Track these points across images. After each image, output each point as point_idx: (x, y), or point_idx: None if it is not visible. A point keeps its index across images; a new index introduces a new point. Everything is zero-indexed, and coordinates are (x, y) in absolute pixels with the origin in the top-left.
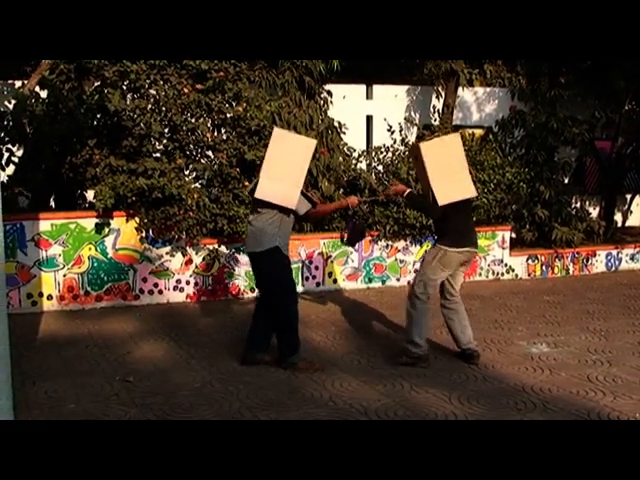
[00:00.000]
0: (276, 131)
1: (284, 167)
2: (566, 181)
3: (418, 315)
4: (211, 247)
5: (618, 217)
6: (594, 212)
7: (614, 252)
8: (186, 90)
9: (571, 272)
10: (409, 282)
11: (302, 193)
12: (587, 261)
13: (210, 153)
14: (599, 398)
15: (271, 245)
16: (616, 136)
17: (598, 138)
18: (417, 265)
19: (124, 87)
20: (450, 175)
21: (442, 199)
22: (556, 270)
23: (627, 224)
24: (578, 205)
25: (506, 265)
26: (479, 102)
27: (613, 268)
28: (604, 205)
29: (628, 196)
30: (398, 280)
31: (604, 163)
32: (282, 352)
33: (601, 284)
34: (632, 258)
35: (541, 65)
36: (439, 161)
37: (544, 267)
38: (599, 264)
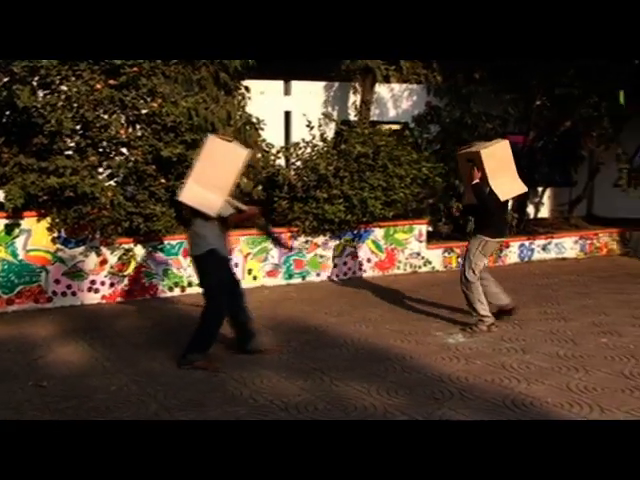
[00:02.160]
0: (210, 139)
1: (213, 174)
2: None
3: (476, 294)
4: (127, 246)
5: (530, 209)
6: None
7: (527, 243)
8: (99, 86)
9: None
10: (329, 277)
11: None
12: (501, 252)
13: (125, 150)
14: (513, 385)
15: (206, 248)
16: (528, 131)
17: (511, 133)
18: (337, 260)
19: (34, 83)
20: (505, 176)
21: (503, 196)
22: None
23: (539, 216)
24: None
25: (423, 258)
26: (396, 98)
27: (526, 259)
28: (516, 198)
29: (540, 189)
30: (318, 275)
31: (516, 157)
32: (188, 346)
33: (514, 274)
34: (544, 249)
35: (456, 62)
36: (496, 164)
37: (460, 259)
38: (512, 255)
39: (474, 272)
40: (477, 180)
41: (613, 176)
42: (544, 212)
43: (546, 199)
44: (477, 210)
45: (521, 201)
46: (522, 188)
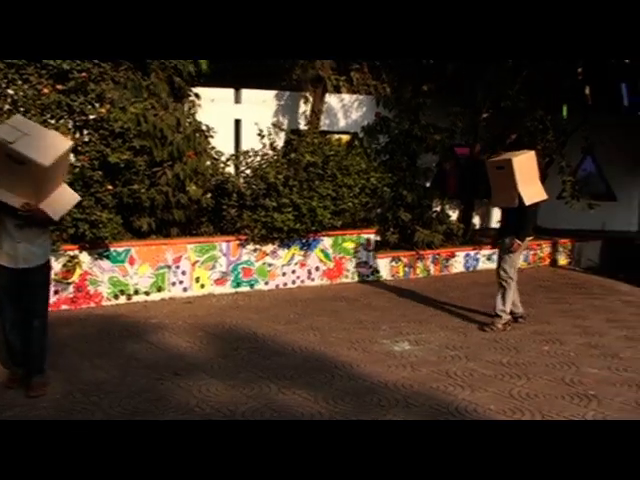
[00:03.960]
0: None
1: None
2: (428, 185)
3: (511, 292)
4: (72, 253)
5: (476, 220)
6: (454, 215)
7: (472, 253)
8: (46, 90)
9: (432, 272)
10: (277, 286)
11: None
12: (447, 262)
13: (71, 156)
14: (457, 392)
15: None
16: (474, 143)
17: (458, 145)
18: (286, 269)
19: None
20: (531, 182)
21: (528, 200)
22: (418, 271)
23: (484, 226)
24: (439, 209)
25: (371, 267)
26: (345, 108)
27: (471, 268)
28: (463, 208)
29: (485, 200)
30: (266, 284)
31: (463, 168)
32: None
33: (460, 283)
34: (489, 258)
35: (405, 73)
36: (524, 171)
37: (407, 268)
38: (458, 264)
39: (515, 270)
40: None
41: (557, 188)
42: (489, 223)
43: (492, 210)
44: (511, 215)
45: (467, 212)
46: (543, 195)
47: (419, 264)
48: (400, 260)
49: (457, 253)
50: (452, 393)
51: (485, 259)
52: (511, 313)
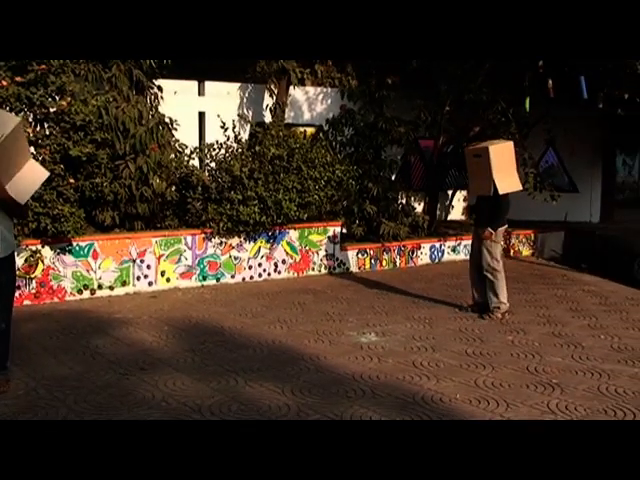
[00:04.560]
0: None
1: None
2: (393, 178)
3: (501, 282)
4: (34, 248)
5: (441, 212)
6: (419, 207)
7: (437, 245)
8: (4, 83)
9: (398, 265)
10: (244, 279)
11: None
12: (413, 254)
13: (32, 149)
14: (424, 382)
15: None
16: (438, 136)
17: (422, 137)
18: (252, 262)
19: None
20: (506, 172)
21: (502, 189)
22: (384, 263)
23: (449, 218)
24: (404, 201)
25: (337, 259)
26: (310, 101)
27: (437, 260)
28: (428, 201)
29: (450, 192)
30: (233, 277)
31: (428, 161)
32: None
33: (425, 275)
34: (453, 250)
35: (369, 66)
36: (501, 161)
37: (373, 260)
38: (424, 256)
39: (497, 260)
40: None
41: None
42: (454, 214)
43: (456, 202)
44: (485, 203)
45: (432, 204)
46: (519, 186)
47: (385, 256)
48: (366, 252)
49: (423, 245)
50: (418, 383)
51: (450, 250)
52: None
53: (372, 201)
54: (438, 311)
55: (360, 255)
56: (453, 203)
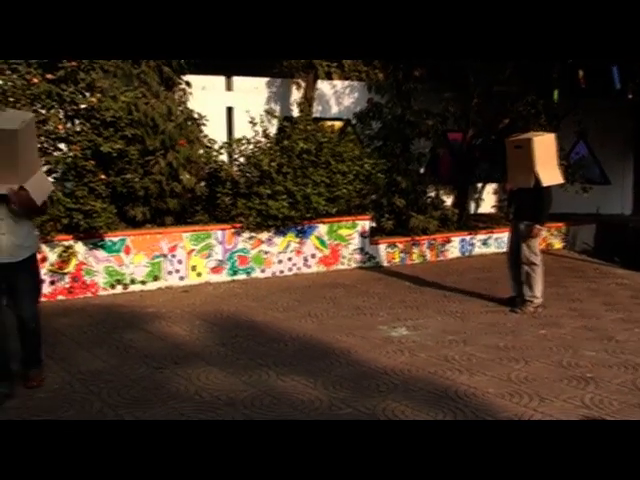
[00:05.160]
0: None
1: None
2: (422, 171)
3: (538, 276)
4: (67, 243)
5: (471, 205)
6: (448, 201)
7: (467, 238)
8: (35, 80)
9: (428, 258)
10: (274, 273)
11: None
12: (443, 247)
13: (63, 146)
14: (456, 376)
15: None
16: (467, 128)
17: (451, 130)
18: (282, 256)
19: None
20: (549, 164)
21: (545, 182)
22: (414, 257)
23: (479, 211)
24: (433, 194)
25: (367, 253)
26: (338, 95)
27: (467, 253)
28: (457, 194)
29: (479, 185)
30: (263, 271)
31: (456, 154)
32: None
33: (456, 269)
34: (484, 243)
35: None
36: (543, 152)
37: (403, 254)
38: (454, 250)
39: (536, 254)
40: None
41: None
42: (484, 208)
43: (486, 195)
44: (526, 197)
45: (461, 197)
46: (560, 179)
47: (415, 250)
48: (396, 246)
49: (452, 238)
50: (450, 377)
51: (481, 244)
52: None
53: (401, 194)
54: (470, 305)
55: (389, 249)
56: (483, 196)
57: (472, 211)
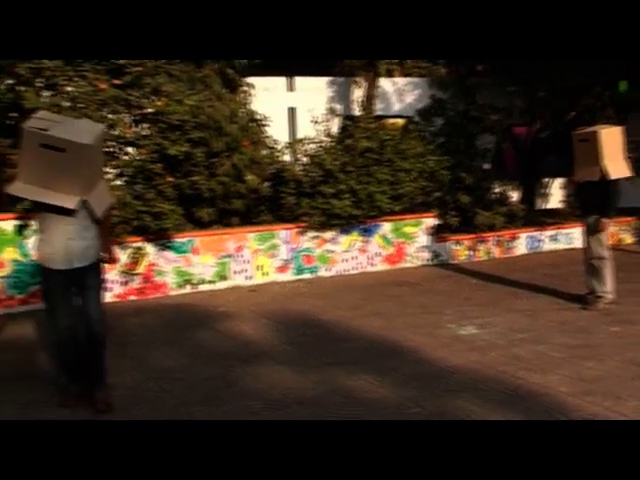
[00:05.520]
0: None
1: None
2: (486, 167)
3: (607, 271)
4: (137, 245)
5: (538, 200)
6: (514, 196)
7: (535, 234)
8: (103, 86)
9: (495, 255)
10: (339, 272)
11: None
12: (510, 244)
13: (131, 149)
14: (527, 375)
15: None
16: (532, 122)
17: (516, 124)
18: (346, 255)
19: (39, 84)
20: (616, 157)
21: (614, 174)
22: (480, 254)
23: (546, 207)
24: (499, 190)
25: (432, 251)
26: (399, 92)
27: (535, 249)
28: (523, 189)
29: (546, 180)
30: (328, 270)
31: (522, 149)
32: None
33: (524, 265)
34: (553, 239)
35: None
36: (610, 145)
37: (469, 251)
38: (521, 246)
39: (605, 248)
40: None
41: None
42: (552, 203)
43: (553, 189)
44: (593, 190)
45: (528, 192)
46: (627, 172)
47: (481, 247)
48: (461, 243)
49: (520, 235)
50: (522, 376)
51: (549, 240)
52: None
53: (466, 191)
54: (539, 302)
55: (455, 246)
56: (550, 191)
57: (539, 206)
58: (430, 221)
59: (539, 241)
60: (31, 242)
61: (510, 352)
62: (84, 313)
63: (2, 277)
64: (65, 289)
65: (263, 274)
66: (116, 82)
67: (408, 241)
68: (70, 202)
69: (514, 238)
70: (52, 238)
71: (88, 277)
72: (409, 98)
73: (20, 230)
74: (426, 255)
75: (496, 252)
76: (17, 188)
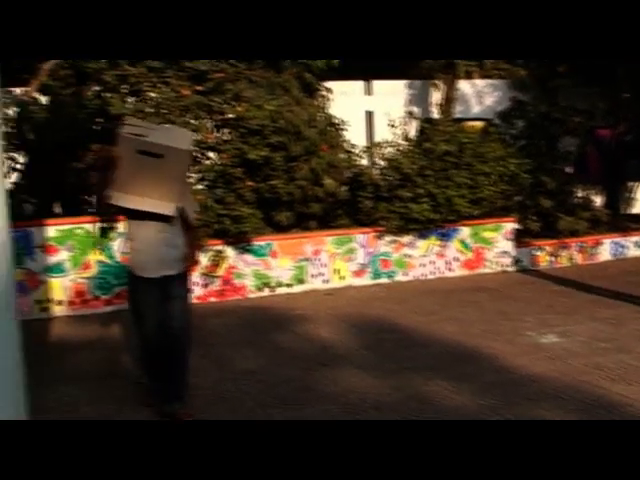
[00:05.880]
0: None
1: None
2: (569, 170)
3: None
4: (217, 248)
5: (622, 205)
6: (598, 201)
7: (619, 240)
8: (186, 92)
9: (577, 261)
10: (416, 277)
11: None
12: (593, 250)
13: (212, 154)
14: (609, 385)
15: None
16: (616, 124)
17: (599, 127)
18: (423, 260)
19: (124, 91)
20: None
21: None
22: (562, 260)
23: (631, 212)
24: (581, 194)
25: (512, 256)
26: (478, 94)
27: (619, 256)
28: (607, 193)
29: (631, 183)
30: (405, 275)
31: (606, 151)
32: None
33: (607, 272)
34: (638, 245)
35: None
36: None
37: (550, 257)
38: (605, 252)
39: None
40: None
41: None
42: (638, 207)
43: (638, 194)
44: None
45: (612, 197)
46: None
47: (563, 253)
48: (543, 249)
49: (603, 240)
50: (604, 386)
51: (634, 246)
52: None
53: (547, 195)
54: (623, 310)
55: (536, 252)
56: (635, 195)
57: (624, 211)
58: (510, 226)
59: (623, 247)
60: (116, 244)
61: (592, 361)
62: (168, 324)
63: (88, 278)
64: (152, 297)
65: (340, 278)
66: (198, 88)
67: (487, 246)
68: (168, 209)
69: (597, 244)
70: (144, 246)
71: (175, 286)
72: (488, 100)
73: (105, 233)
74: (506, 261)
75: (579, 258)
76: (117, 197)
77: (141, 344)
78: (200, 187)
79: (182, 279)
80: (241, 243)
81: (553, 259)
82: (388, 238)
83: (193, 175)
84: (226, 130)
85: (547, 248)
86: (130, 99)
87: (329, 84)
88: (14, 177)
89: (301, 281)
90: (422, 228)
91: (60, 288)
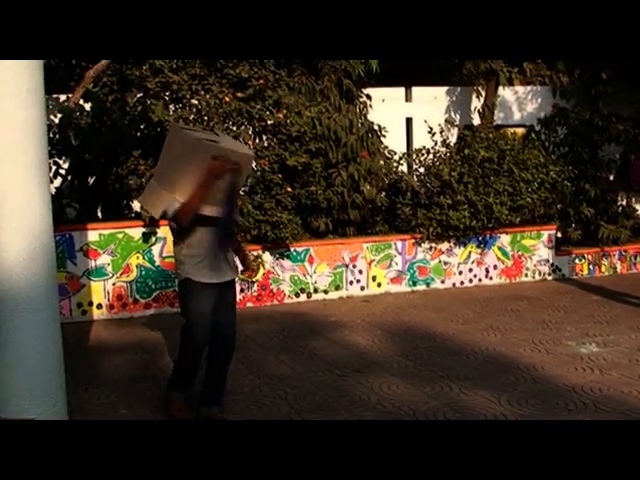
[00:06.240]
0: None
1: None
2: (611, 178)
3: None
4: (255, 253)
5: None
6: None
7: None
8: (227, 99)
9: (619, 270)
10: (454, 284)
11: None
12: (635, 259)
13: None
14: None
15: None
16: None
17: None
18: (462, 267)
19: (166, 98)
20: None
21: None
22: (603, 269)
23: None
24: (624, 202)
25: (552, 265)
26: (520, 101)
27: None
28: None
29: None
30: (443, 282)
31: None
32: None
33: None
34: None
35: (582, 61)
36: None
37: (591, 266)
38: None
39: None
40: None
41: None
42: None
43: None
44: None
45: None
46: None
47: (604, 261)
48: (584, 257)
49: None
50: None
51: None
52: None
53: (589, 203)
54: None
55: (577, 260)
56: None
57: None
58: (550, 234)
59: None
60: (156, 249)
61: (634, 372)
62: (226, 329)
63: (129, 282)
64: (210, 304)
65: (377, 285)
66: (239, 95)
67: (527, 254)
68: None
69: (639, 253)
70: (205, 251)
71: (231, 292)
72: (530, 107)
73: (147, 237)
74: (546, 269)
75: (620, 267)
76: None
77: (189, 350)
78: (240, 193)
79: (234, 285)
80: (279, 249)
81: (594, 268)
82: (426, 245)
83: None
84: (266, 137)
85: (588, 257)
86: (172, 106)
87: (368, 91)
88: (58, 182)
89: (338, 287)
90: (461, 235)
91: (100, 291)
